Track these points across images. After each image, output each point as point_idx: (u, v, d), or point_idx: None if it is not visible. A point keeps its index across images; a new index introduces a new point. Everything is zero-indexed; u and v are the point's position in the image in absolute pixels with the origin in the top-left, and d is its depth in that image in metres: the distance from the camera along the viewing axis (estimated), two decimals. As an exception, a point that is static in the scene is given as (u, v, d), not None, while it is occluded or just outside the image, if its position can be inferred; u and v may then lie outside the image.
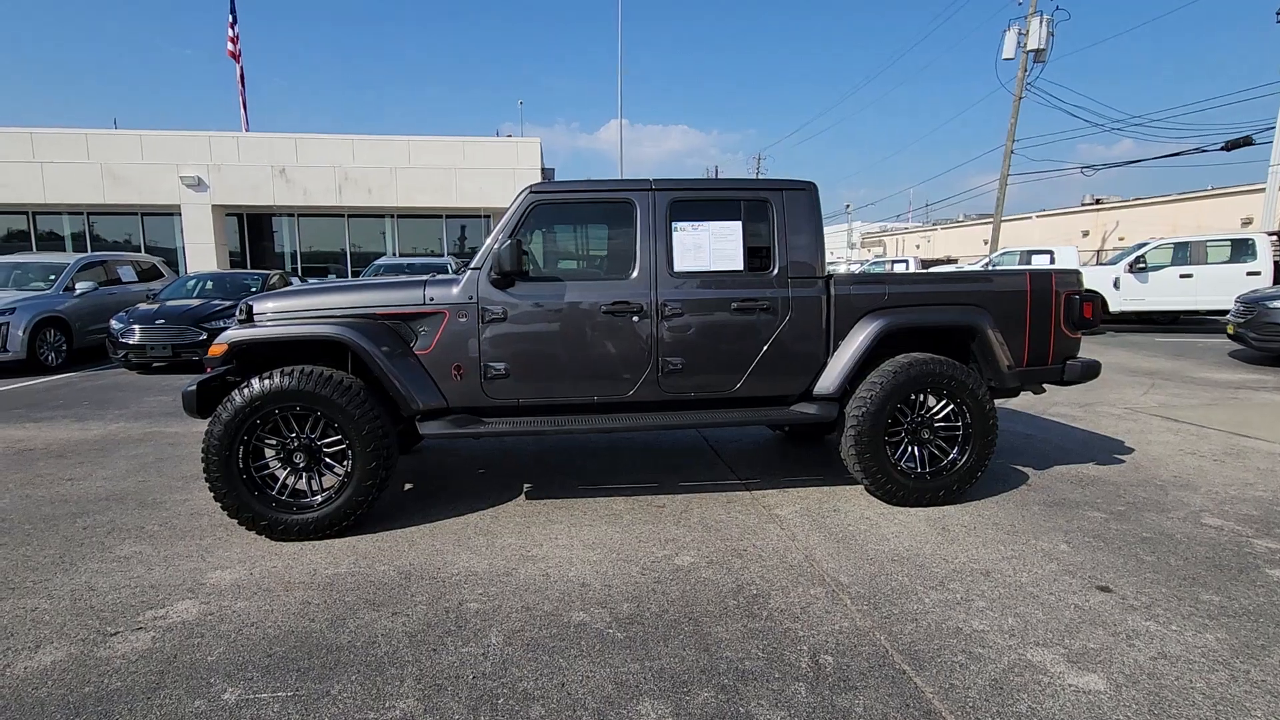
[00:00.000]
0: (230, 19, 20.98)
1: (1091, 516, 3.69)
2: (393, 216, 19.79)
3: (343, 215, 19.60)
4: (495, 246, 3.53)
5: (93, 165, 17.52)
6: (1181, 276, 13.19)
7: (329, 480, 3.50)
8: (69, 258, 11.12)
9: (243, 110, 21.28)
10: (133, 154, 17.95)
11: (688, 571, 3.04)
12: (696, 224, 3.77)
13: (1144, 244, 14.24)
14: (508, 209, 3.67)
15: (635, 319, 3.67)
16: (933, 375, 3.75)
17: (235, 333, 3.44)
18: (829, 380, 3.80)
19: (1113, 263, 14.47)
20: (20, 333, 9.16)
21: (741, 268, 3.79)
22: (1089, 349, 11.04)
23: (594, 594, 2.82)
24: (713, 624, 2.58)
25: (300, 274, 19.15)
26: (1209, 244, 13.45)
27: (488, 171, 18.31)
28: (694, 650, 2.39)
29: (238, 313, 3.56)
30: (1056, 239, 28.85)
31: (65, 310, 9.95)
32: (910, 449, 3.89)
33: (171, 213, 18.40)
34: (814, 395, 3.85)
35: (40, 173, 17.38)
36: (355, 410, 3.35)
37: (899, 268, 27.93)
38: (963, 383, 3.77)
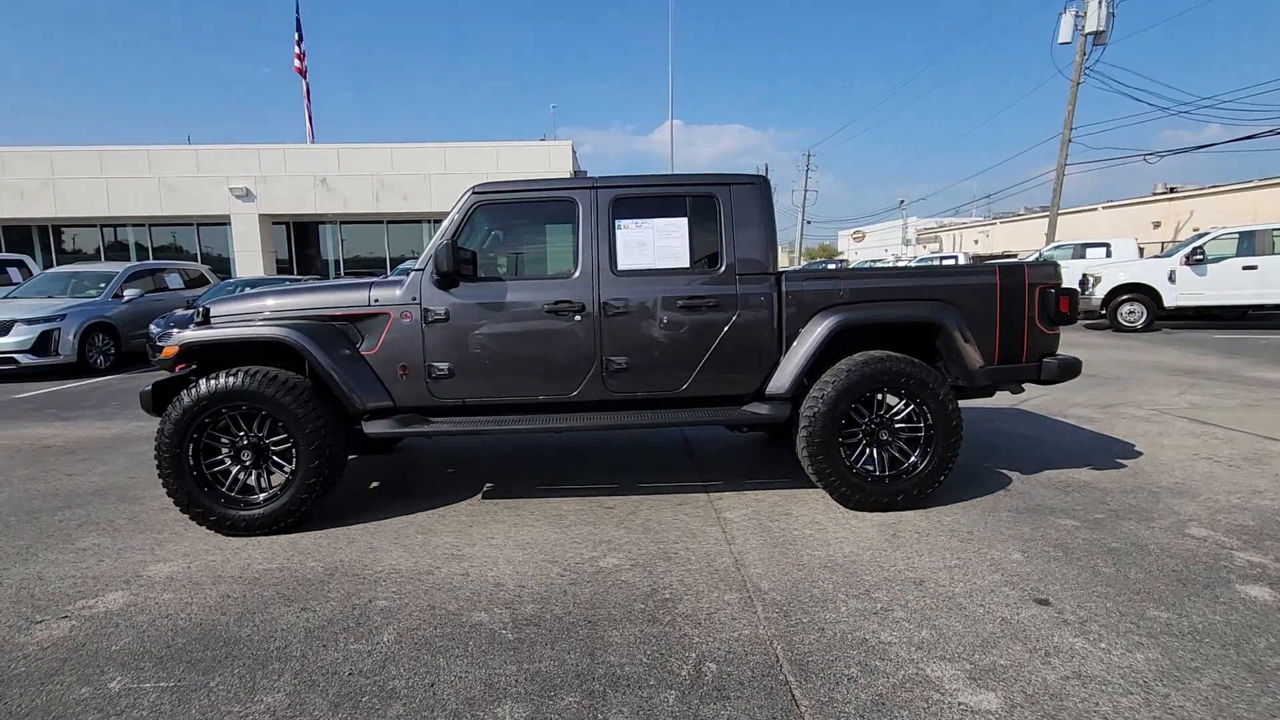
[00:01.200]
0: (296, 36, 21.95)
1: (1061, 524, 3.45)
2: (430, 221, 20.32)
3: (382, 222, 20.26)
4: (434, 248, 3.56)
5: (152, 179, 18.66)
6: (1245, 268, 12.28)
7: (278, 478, 3.60)
8: (119, 266, 11.83)
9: (308, 123, 22.24)
10: (188, 168, 19.01)
11: (608, 574, 2.99)
12: (640, 221, 3.71)
13: (1203, 234, 13.31)
14: (451, 209, 3.70)
15: (578, 318, 3.64)
16: (888, 374, 3.59)
17: (185, 334, 3.58)
18: (782, 379, 3.69)
19: (1168, 255, 13.58)
20: (71, 337, 9.81)
21: (688, 265, 3.72)
22: (1138, 345, 10.41)
23: (504, 595, 2.81)
24: (610, 628, 2.52)
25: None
26: (1276, 233, 12.46)
27: (520, 176, 18.57)
28: (578, 654, 2.35)
29: (195, 315, 3.70)
30: (1125, 231, 27.21)
31: (113, 316, 10.60)
32: (869, 451, 3.72)
33: (223, 223, 19.40)
34: (767, 395, 3.73)
35: (105, 188, 18.61)
36: (299, 410, 3.43)
37: (948, 264, 26.98)
38: (922, 381, 3.59)
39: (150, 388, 3.59)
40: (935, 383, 3.61)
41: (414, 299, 3.63)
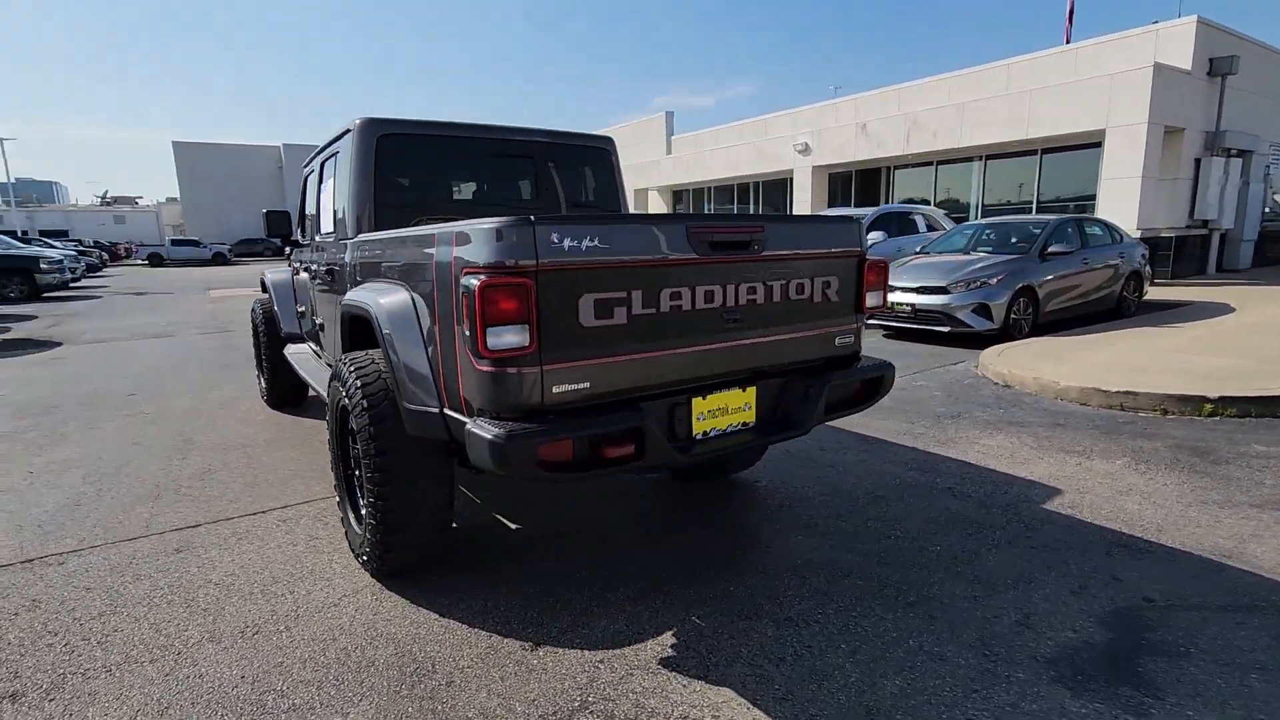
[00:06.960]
0: None
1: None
2: (980, 159, 17.34)
3: (931, 164, 18.54)
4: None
5: (746, 145, 22.56)
6: None
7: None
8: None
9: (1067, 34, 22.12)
10: (760, 133, 22.43)
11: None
12: (326, 180, 3.60)
13: None
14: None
15: None
16: (338, 381, 2.52)
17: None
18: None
19: None
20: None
21: (332, 228, 3.40)
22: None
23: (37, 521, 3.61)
24: None
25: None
26: None
27: (1097, 84, 13.54)
28: None
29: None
30: None
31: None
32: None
33: (786, 177, 21.77)
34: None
35: (725, 155, 23.60)
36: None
37: None
38: (350, 406, 2.37)
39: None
40: (357, 404, 2.31)
41: None
